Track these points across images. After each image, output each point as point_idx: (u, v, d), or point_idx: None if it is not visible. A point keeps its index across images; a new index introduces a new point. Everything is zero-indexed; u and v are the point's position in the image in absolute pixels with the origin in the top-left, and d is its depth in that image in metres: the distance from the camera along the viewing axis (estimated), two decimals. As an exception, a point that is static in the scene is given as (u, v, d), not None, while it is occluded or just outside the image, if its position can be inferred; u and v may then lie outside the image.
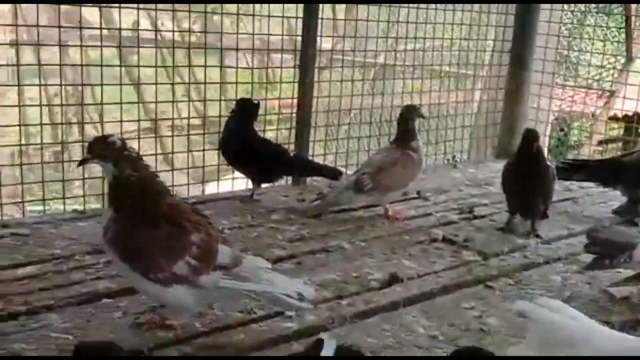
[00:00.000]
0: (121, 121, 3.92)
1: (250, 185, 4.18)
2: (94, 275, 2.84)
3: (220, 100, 4.43)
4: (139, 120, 4.25)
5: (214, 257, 2.31)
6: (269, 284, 2.35)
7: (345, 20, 5.55)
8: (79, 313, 2.53)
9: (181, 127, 4.69)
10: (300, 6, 4.24)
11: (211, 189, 4.48)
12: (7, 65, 4.46)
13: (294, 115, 4.39)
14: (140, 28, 4.47)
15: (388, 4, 4.86)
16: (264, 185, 4.17)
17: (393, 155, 3.84)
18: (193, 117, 4.82)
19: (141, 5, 4.22)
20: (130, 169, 2.28)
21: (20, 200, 3.83)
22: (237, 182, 4.61)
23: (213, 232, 2.39)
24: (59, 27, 3.65)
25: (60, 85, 3.83)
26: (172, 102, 4.30)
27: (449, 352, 2.38)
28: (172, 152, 4.32)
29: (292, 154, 4.08)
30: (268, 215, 3.78)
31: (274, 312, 2.61)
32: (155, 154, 4.21)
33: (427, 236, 3.60)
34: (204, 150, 4.34)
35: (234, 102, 4.02)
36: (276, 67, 4.77)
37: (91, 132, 4.60)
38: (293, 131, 4.45)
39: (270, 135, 4.52)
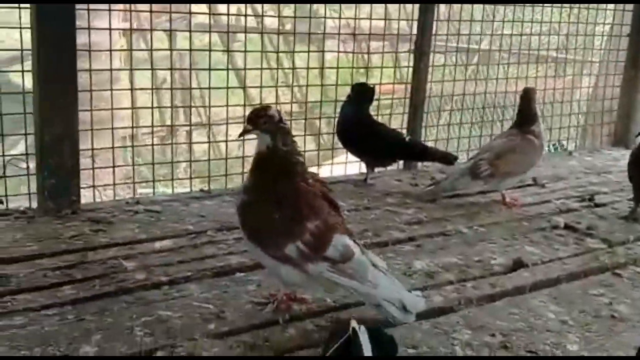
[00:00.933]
0: (227, 105, 4.05)
1: (363, 169, 4.24)
2: (226, 251, 2.98)
3: (321, 85, 4.49)
4: (244, 105, 4.35)
5: (325, 247, 2.28)
6: (372, 287, 2.28)
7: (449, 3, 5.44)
8: (215, 285, 2.67)
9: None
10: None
11: (324, 172, 4.56)
12: (121, 50, 4.71)
13: (396, 100, 4.40)
14: (243, 14, 4.56)
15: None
16: (376, 170, 4.22)
17: (512, 141, 3.79)
18: (294, 102, 4.89)
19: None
20: (281, 142, 2.33)
21: (131, 181, 4.00)
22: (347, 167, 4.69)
23: (332, 221, 2.35)
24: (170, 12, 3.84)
25: (171, 69, 3.99)
26: (275, 86, 4.41)
27: (580, 337, 2.38)
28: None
29: (407, 139, 4.09)
30: (383, 199, 3.83)
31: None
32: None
33: (547, 223, 3.55)
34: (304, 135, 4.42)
35: (350, 88, 4.08)
36: (388, 52, 4.77)
37: (195, 118, 4.78)
38: (400, 116, 4.48)
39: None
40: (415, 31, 4.27)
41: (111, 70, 3.74)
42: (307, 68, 4.25)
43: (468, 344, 2.33)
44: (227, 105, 4.07)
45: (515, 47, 5.13)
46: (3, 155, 3.44)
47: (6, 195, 3.42)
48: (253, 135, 2.36)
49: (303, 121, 4.62)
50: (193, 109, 5.12)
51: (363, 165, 4.24)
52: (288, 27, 5.02)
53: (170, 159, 4.23)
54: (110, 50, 3.73)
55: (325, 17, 4.61)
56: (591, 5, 5.34)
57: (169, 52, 4.10)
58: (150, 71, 3.94)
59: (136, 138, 4.26)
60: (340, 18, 4.35)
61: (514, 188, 4.06)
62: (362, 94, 3.96)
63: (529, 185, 4.23)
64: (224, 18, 4.24)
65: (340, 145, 4.22)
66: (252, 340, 2.25)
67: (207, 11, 4.15)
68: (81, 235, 3.06)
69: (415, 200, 3.82)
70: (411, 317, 2.33)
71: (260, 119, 2.31)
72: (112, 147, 3.83)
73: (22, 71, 3.36)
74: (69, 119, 3.24)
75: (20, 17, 3.23)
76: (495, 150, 3.78)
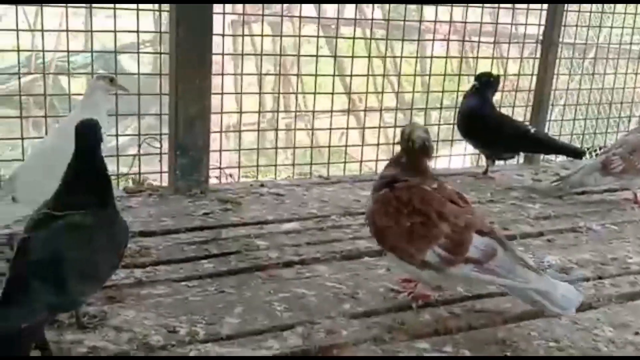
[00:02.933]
0: (333, 93, 4.09)
1: (483, 161, 4.17)
2: (352, 235, 3.01)
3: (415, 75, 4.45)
4: (349, 93, 4.33)
5: (465, 249, 2.20)
6: (525, 282, 2.18)
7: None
8: (345, 267, 2.71)
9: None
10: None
11: (441, 164, 4.52)
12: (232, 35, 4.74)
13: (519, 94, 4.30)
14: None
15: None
16: (496, 163, 4.14)
17: (648, 136, 3.63)
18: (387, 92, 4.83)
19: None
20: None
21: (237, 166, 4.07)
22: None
23: (468, 221, 2.26)
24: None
25: (280, 55, 4.08)
26: (367, 75, 4.35)
27: None
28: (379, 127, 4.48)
29: (532, 131, 3.98)
30: (507, 193, 3.76)
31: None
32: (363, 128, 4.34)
33: (688, 226, 3.38)
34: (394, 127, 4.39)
35: (474, 78, 4.01)
36: (515, 43, 4.63)
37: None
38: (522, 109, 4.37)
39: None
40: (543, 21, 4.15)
41: (223, 54, 3.81)
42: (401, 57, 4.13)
43: (611, 341, 2.25)
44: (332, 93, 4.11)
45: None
46: (139, 135, 3.61)
47: (140, 173, 3.60)
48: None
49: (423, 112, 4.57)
50: (294, 101, 5.21)
51: (483, 158, 4.17)
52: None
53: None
54: (223, 35, 3.78)
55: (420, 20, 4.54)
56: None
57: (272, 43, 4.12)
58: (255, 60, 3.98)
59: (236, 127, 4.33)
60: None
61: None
62: (488, 84, 3.89)
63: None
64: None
65: (459, 136, 4.16)
66: (388, 323, 2.26)
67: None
68: (212, 214, 3.17)
69: (542, 195, 3.72)
70: (571, 310, 2.21)
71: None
72: (221, 132, 3.92)
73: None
74: (202, 101, 3.35)
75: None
76: (629, 144, 3.62)
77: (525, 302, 2.28)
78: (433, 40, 4.55)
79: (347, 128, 4.19)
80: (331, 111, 4.13)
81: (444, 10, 4.49)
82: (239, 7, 4.13)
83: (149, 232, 2.92)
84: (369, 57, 4.43)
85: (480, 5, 4.39)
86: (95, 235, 1.94)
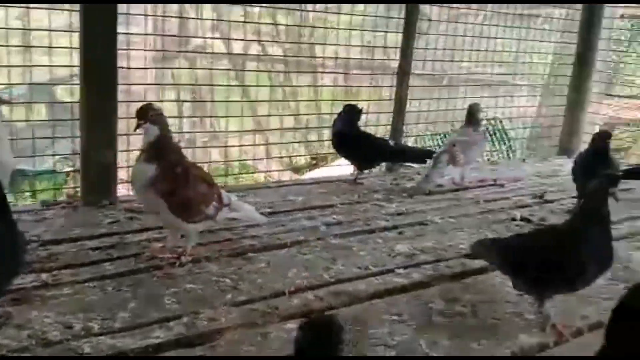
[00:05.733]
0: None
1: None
2: (240, 235, 2.94)
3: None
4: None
5: (223, 199, 2.65)
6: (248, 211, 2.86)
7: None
8: (232, 263, 2.63)
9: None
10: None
11: (323, 173, 4.53)
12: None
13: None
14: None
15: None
16: (365, 172, 4.19)
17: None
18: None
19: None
20: (166, 130, 2.44)
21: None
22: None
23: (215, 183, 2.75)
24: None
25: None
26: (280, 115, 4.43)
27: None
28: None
29: (392, 144, 4.08)
30: (371, 195, 3.80)
31: (386, 269, 2.64)
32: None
33: (507, 216, 3.53)
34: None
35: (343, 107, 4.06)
36: (377, 74, 4.75)
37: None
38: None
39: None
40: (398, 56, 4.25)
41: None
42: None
43: (442, 312, 2.31)
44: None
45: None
46: (54, 155, 3.40)
47: (62, 188, 3.38)
48: (141, 130, 2.43)
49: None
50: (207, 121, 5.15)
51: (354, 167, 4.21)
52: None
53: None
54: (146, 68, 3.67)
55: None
56: (537, 37, 5.39)
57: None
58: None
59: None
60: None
61: (478, 187, 4.08)
62: (351, 112, 3.96)
63: (491, 185, 4.22)
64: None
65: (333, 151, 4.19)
66: (262, 308, 2.21)
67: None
68: (118, 222, 3.01)
69: (398, 195, 3.80)
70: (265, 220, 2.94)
71: (148, 113, 2.39)
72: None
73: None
74: (108, 127, 3.19)
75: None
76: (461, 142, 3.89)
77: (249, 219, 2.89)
78: (323, 72, 4.61)
79: (255, 145, 4.19)
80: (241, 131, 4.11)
81: (332, 49, 4.62)
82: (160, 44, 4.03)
83: (59, 240, 2.73)
84: (270, 86, 4.42)
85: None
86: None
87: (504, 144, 6.38)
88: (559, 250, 2.12)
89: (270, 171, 4.33)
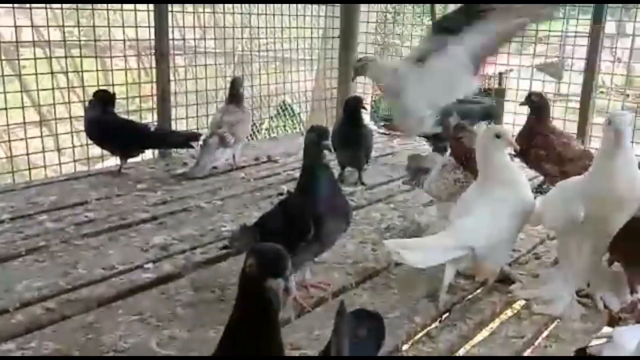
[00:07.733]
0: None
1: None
2: None
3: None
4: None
5: None
6: None
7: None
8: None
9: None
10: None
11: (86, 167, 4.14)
12: None
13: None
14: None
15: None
16: (132, 160, 3.92)
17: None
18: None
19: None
20: None
21: None
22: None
23: None
24: None
25: None
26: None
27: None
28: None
29: (152, 129, 3.84)
30: (134, 186, 3.55)
31: (134, 266, 2.48)
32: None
33: (275, 191, 3.56)
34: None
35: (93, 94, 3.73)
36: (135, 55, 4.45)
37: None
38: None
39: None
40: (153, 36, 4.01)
41: None
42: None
43: (191, 303, 2.22)
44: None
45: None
46: None
47: None
48: None
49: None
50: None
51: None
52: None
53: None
54: None
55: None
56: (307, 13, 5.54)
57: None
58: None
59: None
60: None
61: (252, 165, 4.08)
62: (103, 98, 3.66)
63: (264, 162, 4.23)
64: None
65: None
66: None
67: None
68: None
69: (165, 183, 3.62)
70: None
71: None
72: None
73: None
74: None
75: None
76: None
77: None
78: (111, 57, 4.16)
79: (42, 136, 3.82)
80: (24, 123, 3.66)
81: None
82: None
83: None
84: (51, 73, 3.87)
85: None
86: None
87: (296, 119, 6.52)
88: (292, 211, 2.14)
89: (64, 163, 3.92)
